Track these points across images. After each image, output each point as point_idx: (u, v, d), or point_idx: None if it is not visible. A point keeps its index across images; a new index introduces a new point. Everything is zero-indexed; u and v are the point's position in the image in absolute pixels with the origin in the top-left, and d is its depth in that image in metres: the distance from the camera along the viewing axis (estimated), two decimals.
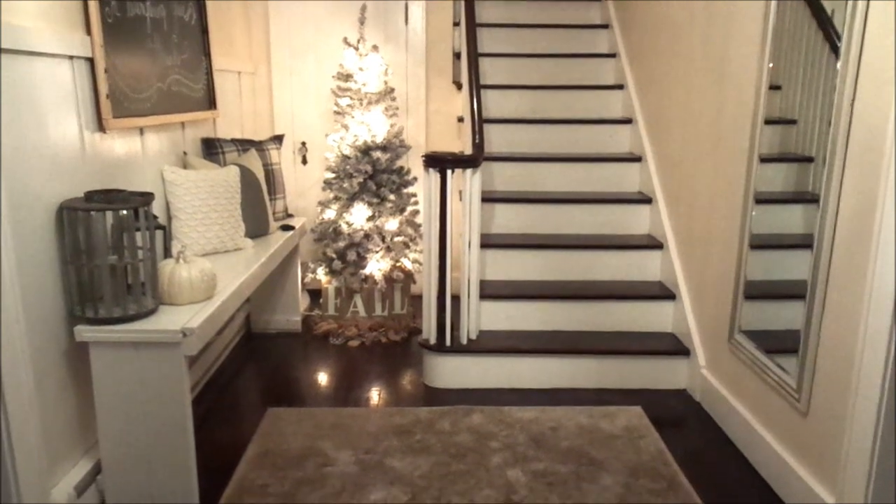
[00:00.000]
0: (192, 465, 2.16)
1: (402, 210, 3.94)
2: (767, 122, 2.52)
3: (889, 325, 1.83)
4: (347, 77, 3.86)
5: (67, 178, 2.10)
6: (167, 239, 2.60)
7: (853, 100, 2.01)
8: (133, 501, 2.14)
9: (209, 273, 2.30)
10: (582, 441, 2.70)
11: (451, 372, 3.23)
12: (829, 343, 2.12)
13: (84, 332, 2.02)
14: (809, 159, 2.32)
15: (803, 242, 2.28)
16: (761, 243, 2.60)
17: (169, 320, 2.10)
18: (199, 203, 2.83)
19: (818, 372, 2.17)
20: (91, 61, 2.22)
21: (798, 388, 2.25)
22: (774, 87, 2.50)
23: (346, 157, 3.86)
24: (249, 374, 3.43)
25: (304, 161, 4.43)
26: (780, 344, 2.47)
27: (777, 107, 2.50)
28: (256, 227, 3.29)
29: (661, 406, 3.05)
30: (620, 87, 4.29)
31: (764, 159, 2.55)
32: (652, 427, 2.81)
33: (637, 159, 3.90)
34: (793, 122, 2.42)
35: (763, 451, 2.48)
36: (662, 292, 3.42)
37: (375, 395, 3.18)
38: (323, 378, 3.38)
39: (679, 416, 2.98)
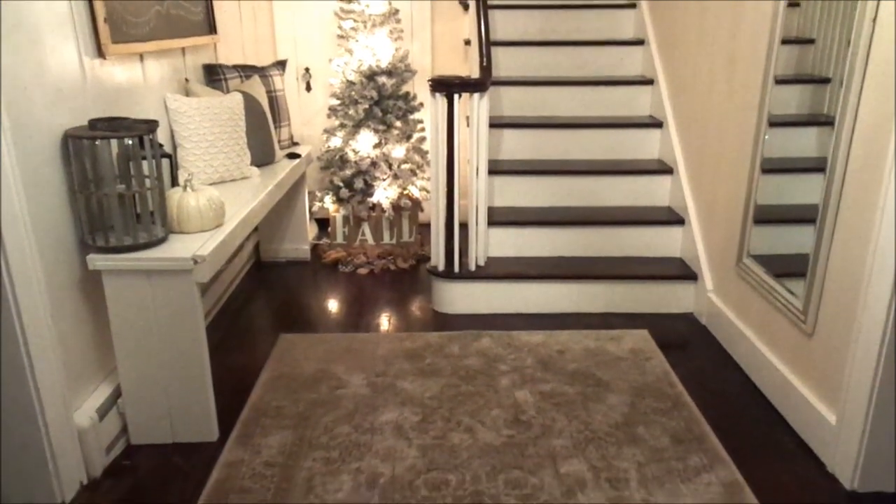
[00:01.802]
0: (209, 388, 2.22)
1: (409, 137, 3.90)
2: (784, 41, 2.45)
3: None
4: None
5: (70, 107, 2.08)
6: (174, 168, 2.58)
7: (874, 17, 1.94)
8: (153, 423, 2.22)
9: (217, 201, 2.30)
10: (588, 363, 2.75)
11: (459, 298, 3.27)
12: (838, 265, 2.12)
13: (96, 260, 2.04)
14: (826, 80, 2.26)
15: (816, 166, 2.25)
16: (773, 167, 2.57)
17: (179, 248, 2.11)
18: (204, 131, 2.80)
19: (825, 294, 2.18)
20: None
21: (804, 310, 2.27)
22: (793, 5, 2.41)
23: (350, 83, 3.79)
24: (260, 301, 3.48)
25: (308, 87, 4.35)
26: (787, 268, 2.48)
27: (795, 25, 2.42)
28: (262, 155, 3.27)
29: (667, 329, 3.09)
30: (632, 6, 4.15)
31: (779, 81, 2.49)
32: (658, 349, 2.86)
33: (649, 82, 3.81)
34: (810, 41, 2.34)
35: (767, 371, 2.53)
36: (671, 217, 3.41)
37: (385, 321, 3.23)
38: (333, 305, 3.42)
39: (685, 339, 3.02)
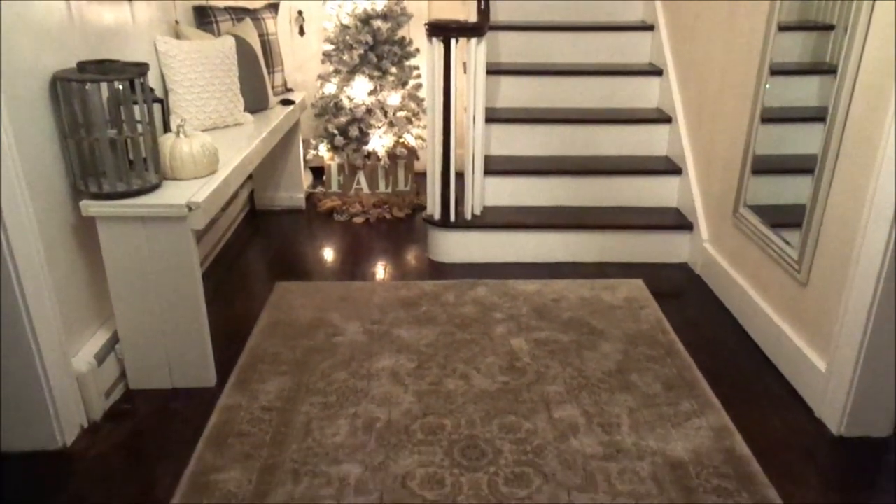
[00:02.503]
0: (206, 334, 2.24)
1: (405, 84, 3.83)
2: None
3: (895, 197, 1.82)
4: None
5: (58, 48, 2.03)
6: (165, 113, 2.54)
7: None
8: (151, 369, 2.24)
9: (210, 147, 2.27)
10: (583, 312, 2.77)
11: (455, 247, 3.27)
12: (834, 215, 2.12)
13: (90, 206, 2.02)
14: (830, 27, 2.22)
15: (816, 116, 2.23)
16: (773, 116, 2.55)
17: (174, 195, 2.10)
18: (196, 76, 2.75)
19: (820, 244, 2.19)
20: None
21: (799, 260, 2.28)
22: None
23: (345, 28, 3.71)
24: (256, 250, 3.47)
25: (302, 32, 4.25)
26: (784, 218, 2.48)
27: None
28: (255, 101, 3.21)
29: (662, 279, 3.10)
30: None
31: (782, 27, 2.44)
32: (652, 298, 2.88)
33: (649, 28, 3.74)
34: None
35: (760, 320, 2.55)
36: (669, 167, 3.39)
37: (381, 269, 3.23)
38: (329, 253, 3.42)
39: (679, 288, 3.04)
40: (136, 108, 2.05)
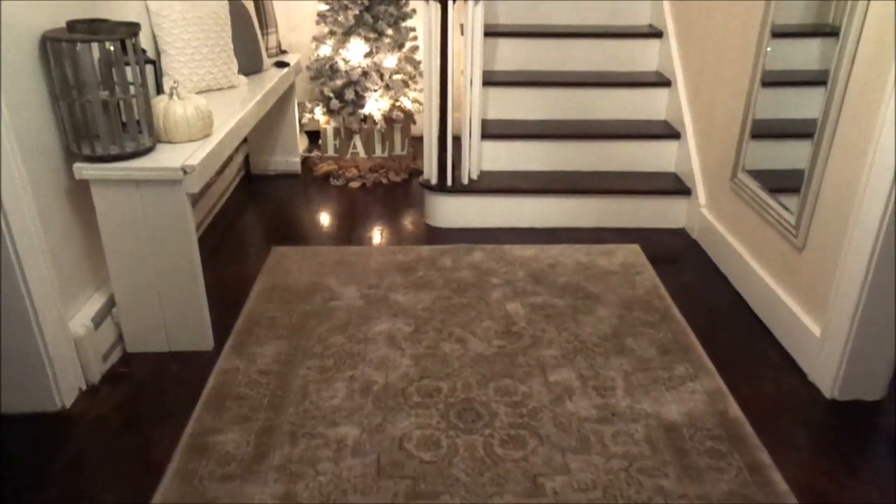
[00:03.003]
0: (203, 298, 2.24)
1: (401, 46, 3.77)
2: None
3: (895, 161, 1.81)
4: None
5: (47, 7, 1.98)
6: (158, 75, 2.50)
7: None
8: (148, 333, 2.24)
9: (205, 110, 2.24)
10: (579, 277, 2.78)
11: (452, 212, 3.26)
12: (833, 180, 2.11)
13: (83, 169, 2.00)
14: None
15: (818, 79, 2.20)
16: (774, 80, 2.52)
17: (168, 158, 2.07)
18: (189, 37, 2.70)
19: (818, 208, 2.18)
20: None
21: (797, 225, 2.28)
22: None
23: None
24: (252, 214, 3.46)
25: None
26: (782, 183, 2.47)
27: None
28: (249, 63, 3.17)
29: (658, 244, 3.10)
30: None
31: None
32: (648, 263, 2.88)
33: None
34: None
35: (755, 285, 2.56)
36: (667, 131, 3.37)
37: (378, 234, 3.22)
38: (325, 218, 3.41)
39: (676, 254, 3.05)
40: (128, 70, 2.02)
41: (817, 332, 2.15)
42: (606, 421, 1.97)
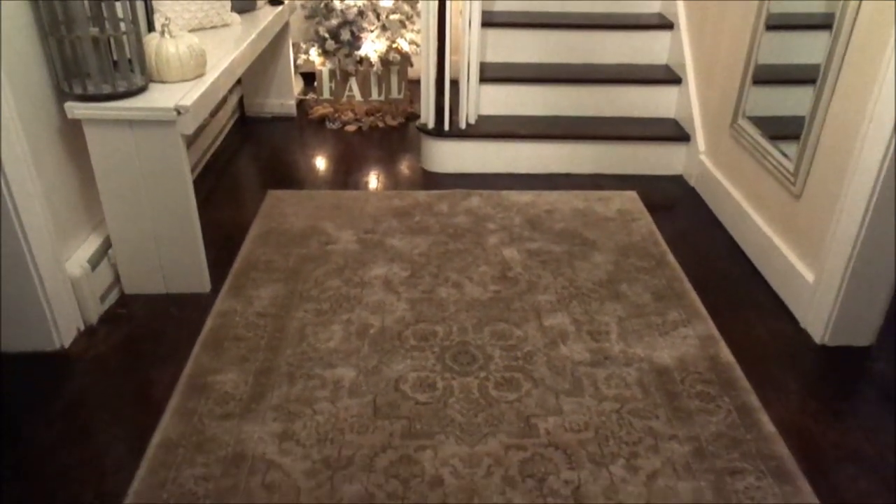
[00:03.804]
0: (199, 240, 2.23)
1: None
2: None
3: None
4: None
5: None
6: (149, 12, 2.44)
7: None
8: (145, 274, 2.25)
9: (198, 49, 2.19)
10: (576, 223, 2.78)
11: (449, 157, 3.23)
12: (833, 126, 2.09)
13: (75, 108, 1.97)
14: None
15: (823, 23, 2.16)
16: (778, 23, 2.47)
17: (161, 98, 2.04)
18: None
19: (817, 155, 2.17)
20: None
21: (795, 172, 2.27)
22: None
23: None
24: (247, 157, 3.43)
25: None
26: (782, 130, 2.45)
27: None
28: (242, 1, 3.08)
29: (656, 191, 3.09)
30: None
31: None
32: (645, 210, 2.88)
33: None
34: None
35: (751, 232, 2.57)
36: (668, 76, 3.32)
37: (374, 179, 3.20)
38: (321, 162, 3.38)
39: (673, 200, 3.04)
40: (118, 6, 1.96)
41: (810, 279, 2.17)
42: (599, 364, 2.00)
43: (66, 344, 2.03)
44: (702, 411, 1.83)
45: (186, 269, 2.26)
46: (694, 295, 2.32)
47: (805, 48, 2.33)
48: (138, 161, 2.06)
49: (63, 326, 2.02)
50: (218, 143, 3.47)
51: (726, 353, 2.05)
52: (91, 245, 2.18)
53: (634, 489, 1.60)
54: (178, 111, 1.99)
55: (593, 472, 1.64)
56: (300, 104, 3.97)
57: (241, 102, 3.87)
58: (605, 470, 1.65)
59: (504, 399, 1.86)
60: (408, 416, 1.79)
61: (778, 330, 2.20)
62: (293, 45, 3.86)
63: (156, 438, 1.70)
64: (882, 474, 1.68)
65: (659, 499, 1.57)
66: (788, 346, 2.13)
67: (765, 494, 1.59)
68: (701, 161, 3.05)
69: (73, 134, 2.09)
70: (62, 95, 2.00)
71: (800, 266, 2.24)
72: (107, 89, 1.99)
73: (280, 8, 3.29)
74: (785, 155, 2.36)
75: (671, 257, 2.54)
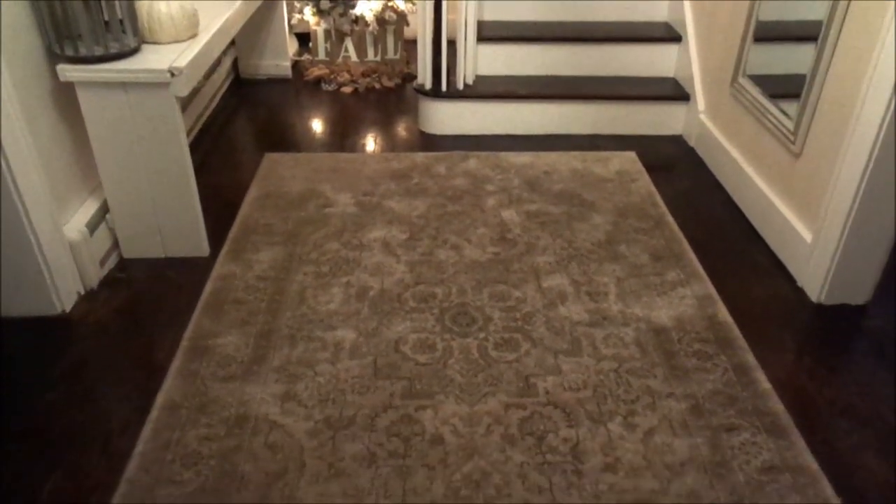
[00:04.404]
0: (197, 204, 2.23)
1: None
2: None
3: None
4: None
5: None
6: None
7: None
8: (144, 238, 2.24)
9: (190, 9, 2.15)
10: (574, 184, 2.77)
11: (446, 118, 3.20)
12: (834, 84, 2.07)
13: (67, 71, 1.94)
14: None
15: None
16: None
17: (154, 59, 2.01)
18: None
19: (818, 114, 2.15)
20: None
21: (795, 131, 2.25)
22: None
23: None
24: (242, 120, 3.39)
25: None
26: (782, 88, 2.42)
27: None
28: None
29: (655, 151, 3.08)
30: None
31: None
32: (644, 171, 2.87)
33: None
34: None
35: (750, 192, 2.56)
36: (668, 34, 3.27)
37: (371, 141, 3.18)
38: (317, 125, 3.35)
39: (672, 161, 3.03)
40: None
41: (808, 239, 2.17)
42: (598, 325, 2.01)
43: (68, 308, 2.04)
44: (699, 370, 1.85)
45: (185, 232, 2.25)
46: (692, 255, 2.33)
47: (807, 4, 2.29)
48: (133, 124, 2.04)
49: (63, 291, 2.02)
50: (213, 106, 3.44)
51: (724, 313, 2.06)
52: (89, 209, 2.17)
53: (632, 446, 1.62)
54: (172, 73, 1.97)
55: (591, 430, 1.66)
56: (295, 65, 3.91)
57: (235, 64, 3.82)
58: (603, 427, 1.67)
59: (503, 359, 1.88)
60: (408, 377, 1.81)
61: (775, 289, 2.21)
62: (287, 4, 3.79)
63: (159, 400, 1.72)
64: (875, 429, 1.70)
65: (656, 455, 1.60)
66: (785, 305, 2.14)
67: (759, 449, 1.62)
68: (700, 121, 3.03)
69: (66, 98, 2.06)
70: (54, 58, 1.97)
71: (798, 225, 2.24)
72: (98, 51, 1.96)
73: None
74: (785, 113, 2.34)
75: (670, 218, 2.54)
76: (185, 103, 2.97)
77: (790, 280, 2.25)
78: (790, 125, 2.28)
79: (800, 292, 2.19)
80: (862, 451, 1.64)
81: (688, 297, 2.13)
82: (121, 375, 1.83)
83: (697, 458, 1.60)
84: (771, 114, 2.42)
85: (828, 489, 1.53)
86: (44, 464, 1.57)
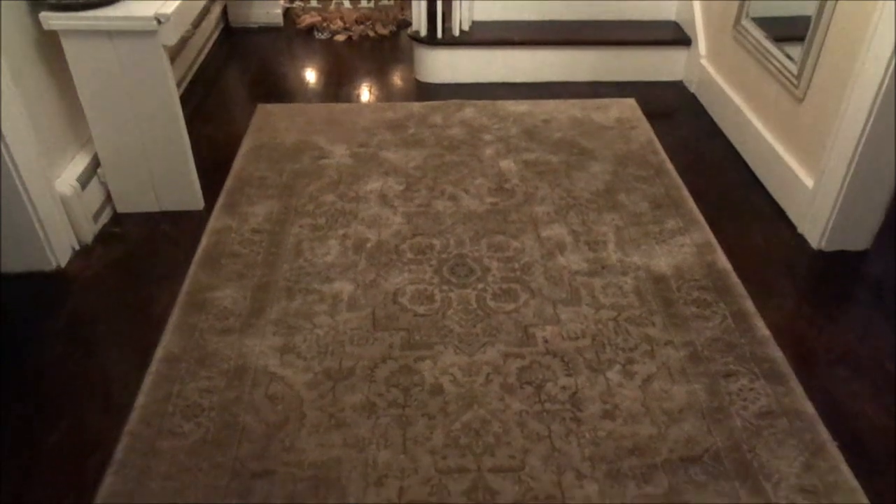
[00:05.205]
0: (189, 156, 2.19)
1: None
2: None
3: None
4: None
5: None
6: None
7: None
8: (137, 192, 2.21)
9: None
10: (573, 132, 2.72)
11: (442, 66, 3.13)
12: (840, 26, 2.02)
13: (50, 19, 1.88)
14: None
15: None
16: None
17: (139, 6, 1.94)
18: None
19: (822, 57, 2.10)
20: None
21: (798, 75, 2.20)
22: None
23: None
24: (233, 70, 3.32)
25: None
26: (787, 31, 2.37)
27: None
28: None
29: (655, 98, 3.02)
30: None
31: None
32: (644, 118, 2.82)
33: None
34: None
35: (752, 138, 2.52)
36: None
37: (366, 90, 3.12)
38: (311, 74, 3.28)
39: (673, 108, 2.98)
40: None
41: (810, 185, 2.15)
42: (597, 274, 2.00)
43: (63, 263, 2.03)
44: (697, 317, 1.85)
45: (178, 186, 2.22)
46: (692, 203, 2.31)
47: None
48: (121, 75, 1.99)
49: (58, 246, 2.00)
50: (203, 56, 3.36)
51: (723, 260, 2.05)
52: (80, 163, 2.13)
53: (630, 393, 1.63)
54: (158, 20, 1.91)
55: (590, 378, 1.67)
56: (287, 13, 3.81)
57: (224, 12, 3.72)
58: (602, 376, 1.68)
59: (502, 310, 1.87)
60: (406, 328, 1.81)
61: (775, 236, 2.19)
62: None
63: (158, 353, 1.72)
64: (873, 375, 1.71)
65: (654, 402, 1.61)
66: (785, 252, 2.13)
67: (757, 395, 1.63)
68: (702, 66, 2.96)
69: (52, 49, 2.00)
70: (37, 5, 1.90)
71: (799, 171, 2.21)
72: None
73: None
74: (789, 57, 2.29)
75: (670, 166, 2.51)
76: (174, 53, 2.90)
77: (790, 227, 2.23)
78: (794, 69, 2.23)
79: (800, 239, 2.18)
80: (859, 396, 1.65)
81: (687, 245, 2.12)
82: (119, 330, 1.83)
83: (695, 405, 1.61)
84: (774, 57, 2.36)
85: (824, 433, 1.54)
86: (46, 417, 1.58)
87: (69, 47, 1.94)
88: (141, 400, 1.60)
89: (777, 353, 1.74)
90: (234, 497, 1.40)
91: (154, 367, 1.69)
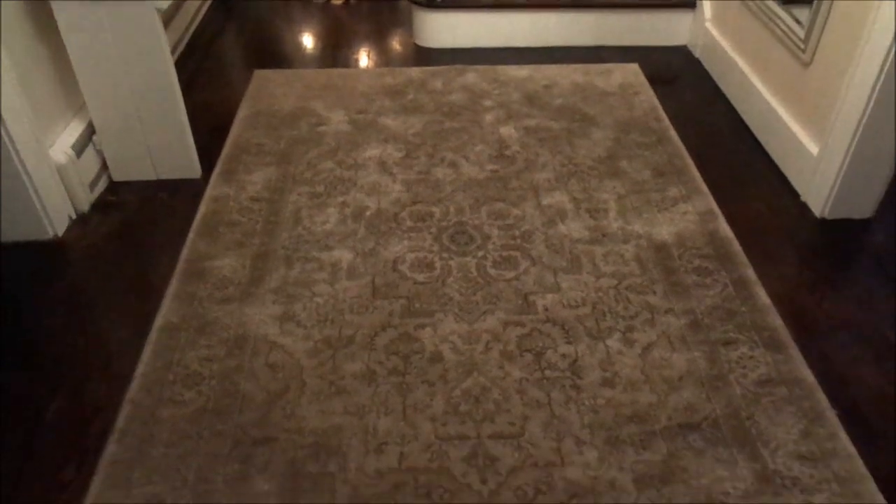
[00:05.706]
0: (185, 123, 2.16)
1: None
2: None
3: None
4: None
5: None
6: None
7: None
8: (133, 160, 2.19)
9: None
10: (575, 98, 2.68)
11: (442, 30, 3.08)
12: None
13: None
14: None
15: None
16: None
17: None
18: None
19: (830, 20, 2.06)
20: None
21: (806, 38, 2.16)
22: None
23: None
24: (229, 36, 3.27)
25: None
26: None
27: None
28: None
29: (659, 63, 2.97)
30: None
31: None
32: (647, 84, 2.78)
33: None
34: None
35: (757, 104, 2.49)
36: None
37: (364, 56, 3.07)
38: (308, 39, 3.23)
39: (676, 73, 2.93)
40: None
41: (815, 152, 2.12)
42: (597, 242, 1.99)
43: (60, 232, 2.01)
44: (698, 285, 1.85)
45: (175, 153, 2.20)
46: (695, 171, 2.28)
47: None
48: (113, 40, 1.95)
49: (54, 215, 1.99)
50: (198, 21, 3.30)
51: (725, 228, 2.04)
52: (74, 131, 2.10)
53: (630, 360, 1.63)
54: None
55: (590, 346, 1.67)
56: None
57: None
58: (602, 343, 1.68)
59: (502, 277, 1.86)
60: (406, 296, 1.80)
61: (778, 204, 2.18)
62: None
63: (158, 322, 1.72)
64: (873, 343, 1.71)
65: (654, 370, 1.61)
66: (788, 219, 2.11)
67: (757, 363, 1.63)
68: (707, 29, 2.91)
69: (42, 14, 1.96)
70: None
71: (804, 138, 2.19)
72: None
73: None
74: (796, 20, 2.24)
75: (673, 132, 2.48)
76: (168, 18, 2.85)
77: (794, 194, 2.21)
78: (801, 32, 2.19)
79: (803, 207, 2.16)
80: (858, 364, 1.65)
81: (689, 213, 2.10)
82: (118, 299, 1.82)
83: (695, 372, 1.61)
84: (781, 20, 2.31)
85: (823, 401, 1.54)
86: (47, 386, 1.58)
87: (59, 14, 1.90)
88: (141, 369, 1.60)
89: (777, 321, 1.74)
90: (235, 463, 1.41)
91: (154, 336, 1.69)
